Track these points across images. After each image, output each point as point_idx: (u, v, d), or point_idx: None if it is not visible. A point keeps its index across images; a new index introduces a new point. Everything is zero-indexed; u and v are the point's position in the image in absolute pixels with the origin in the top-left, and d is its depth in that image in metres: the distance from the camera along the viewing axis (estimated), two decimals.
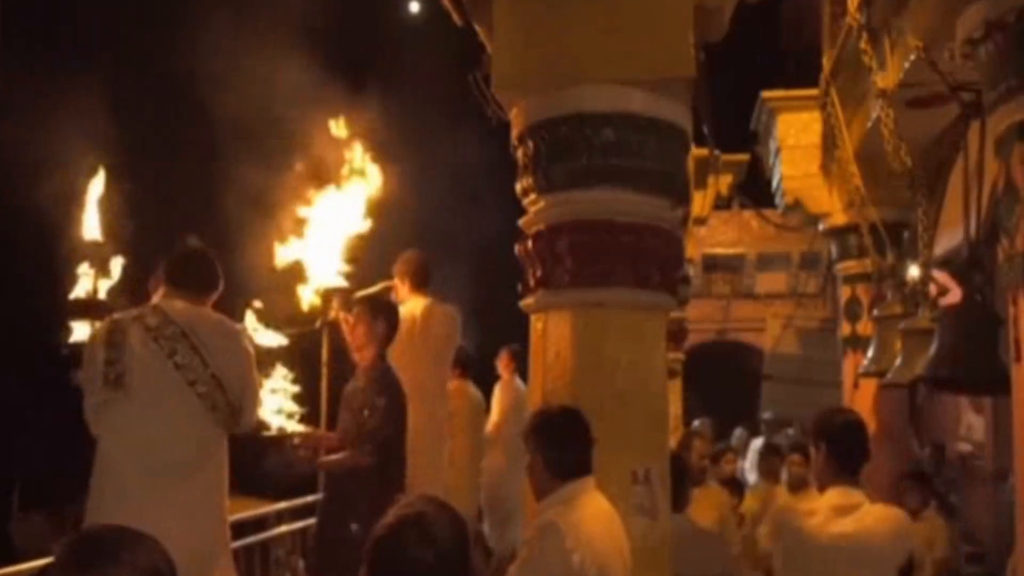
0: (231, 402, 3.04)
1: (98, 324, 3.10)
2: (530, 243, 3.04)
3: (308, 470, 3.95)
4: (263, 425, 3.69)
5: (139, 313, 3.08)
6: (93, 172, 3.66)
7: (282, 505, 5.62)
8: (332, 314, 4.36)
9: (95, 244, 3.69)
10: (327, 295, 4.38)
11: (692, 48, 2.93)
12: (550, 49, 2.97)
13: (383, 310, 4.24)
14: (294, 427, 3.94)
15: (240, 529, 5.02)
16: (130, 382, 2.93)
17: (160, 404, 2.97)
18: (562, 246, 2.94)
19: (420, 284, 4.93)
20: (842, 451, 3.03)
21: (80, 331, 3.35)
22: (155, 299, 3.19)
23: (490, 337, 7.37)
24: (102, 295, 3.57)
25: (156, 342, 2.98)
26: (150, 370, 2.96)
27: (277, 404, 3.91)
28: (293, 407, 3.98)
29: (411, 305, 4.84)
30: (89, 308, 3.45)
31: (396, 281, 4.95)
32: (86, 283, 3.58)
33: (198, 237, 3.41)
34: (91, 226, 3.71)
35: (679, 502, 4.28)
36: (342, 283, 4.44)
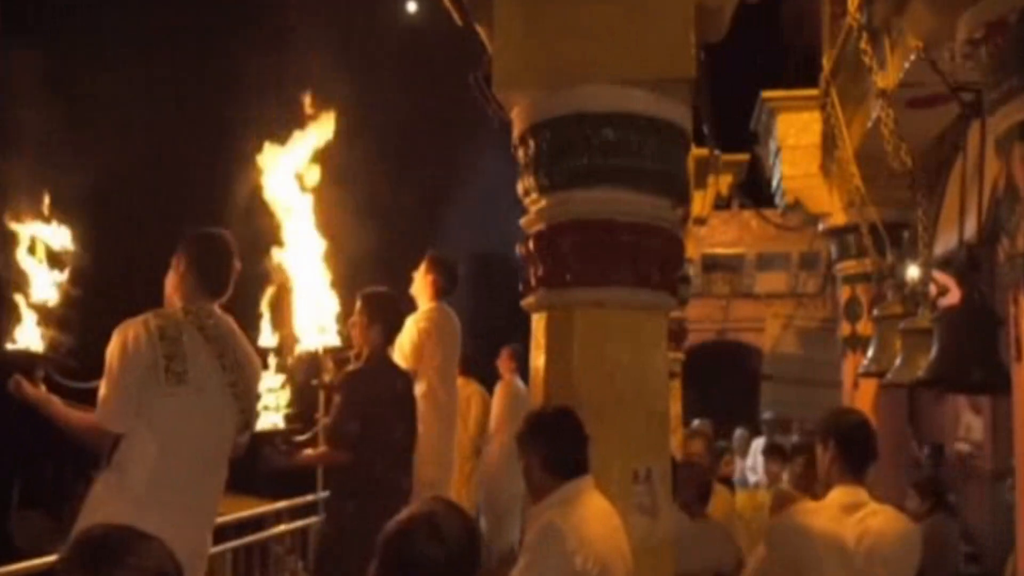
0: (253, 407, 3.16)
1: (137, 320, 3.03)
2: (531, 242, 3.04)
3: (284, 466, 3.87)
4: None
5: (187, 310, 3.09)
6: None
7: (281, 504, 5.62)
8: (327, 377, 4.20)
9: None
10: (311, 358, 4.14)
11: (693, 48, 2.93)
12: (551, 49, 2.98)
13: (382, 313, 4.18)
14: (279, 424, 3.83)
15: (240, 529, 5.03)
16: (193, 378, 2.96)
17: (213, 403, 3.03)
18: (563, 245, 2.94)
19: (447, 290, 4.94)
20: (850, 451, 3.04)
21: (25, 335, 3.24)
22: (182, 299, 3.14)
23: (492, 337, 7.39)
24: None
25: (207, 342, 3.03)
26: (206, 368, 3.01)
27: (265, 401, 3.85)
28: (281, 404, 3.87)
29: (430, 307, 4.86)
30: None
31: (423, 277, 4.95)
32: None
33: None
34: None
35: (698, 509, 4.32)
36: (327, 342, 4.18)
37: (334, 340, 4.17)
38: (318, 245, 4.10)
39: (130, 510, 2.71)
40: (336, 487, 4.07)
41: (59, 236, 3.35)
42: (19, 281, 3.25)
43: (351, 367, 4.14)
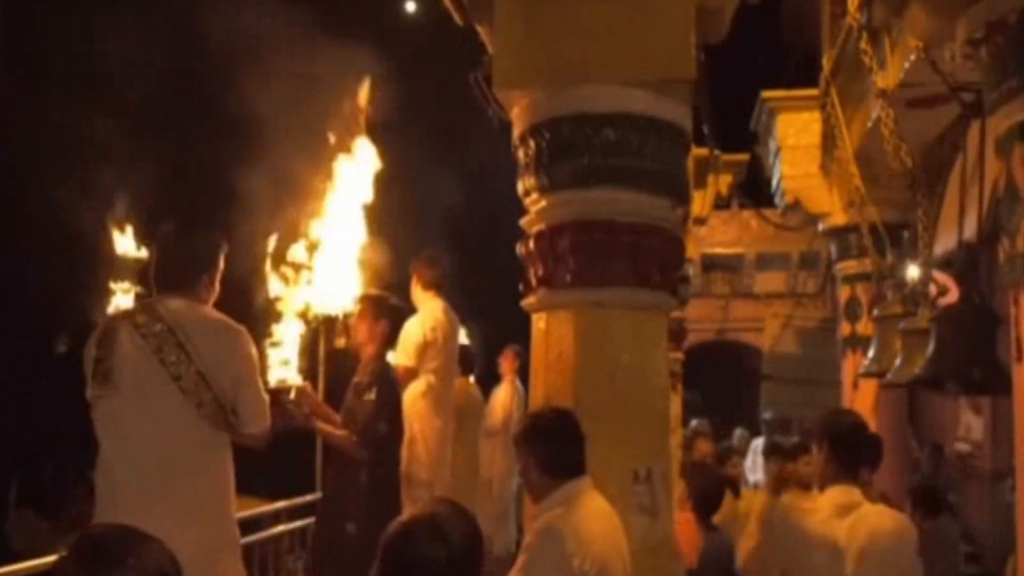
0: (219, 399, 2.98)
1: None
2: (531, 242, 3.04)
3: (302, 426, 3.87)
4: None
5: (129, 311, 3.09)
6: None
7: (280, 504, 5.61)
8: (340, 341, 4.28)
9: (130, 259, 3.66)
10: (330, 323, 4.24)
11: (693, 49, 2.93)
12: (551, 49, 2.97)
13: (387, 311, 4.22)
14: (294, 379, 3.84)
15: (238, 528, 5.02)
16: (118, 379, 2.92)
17: (145, 400, 2.94)
18: (563, 246, 2.94)
19: (436, 287, 4.95)
20: (845, 451, 3.05)
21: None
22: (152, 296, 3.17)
23: (493, 336, 7.38)
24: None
25: (144, 339, 2.96)
26: (136, 367, 2.94)
27: (280, 356, 3.85)
28: (294, 358, 3.88)
29: (433, 307, 4.87)
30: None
31: (414, 280, 4.99)
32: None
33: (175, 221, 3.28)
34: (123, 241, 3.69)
35: (710, 514, 4.34)
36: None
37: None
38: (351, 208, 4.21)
39: (109, 513, 2.72)
40: (348, 486, 4.03)
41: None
42: None
43: (379, 364, 4.14)
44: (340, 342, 4.29)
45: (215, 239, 3.22)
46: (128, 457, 2.91)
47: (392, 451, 4.05)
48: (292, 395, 3.78)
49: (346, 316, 4.24)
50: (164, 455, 2.93)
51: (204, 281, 3.14)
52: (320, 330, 4.32)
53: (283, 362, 3.80)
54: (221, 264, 3.20)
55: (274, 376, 3.78)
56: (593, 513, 2.61)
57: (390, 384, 4.09)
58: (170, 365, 2.94)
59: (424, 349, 4.75)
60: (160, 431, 2.94)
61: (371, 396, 3.99)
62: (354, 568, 3.76)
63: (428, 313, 4.87)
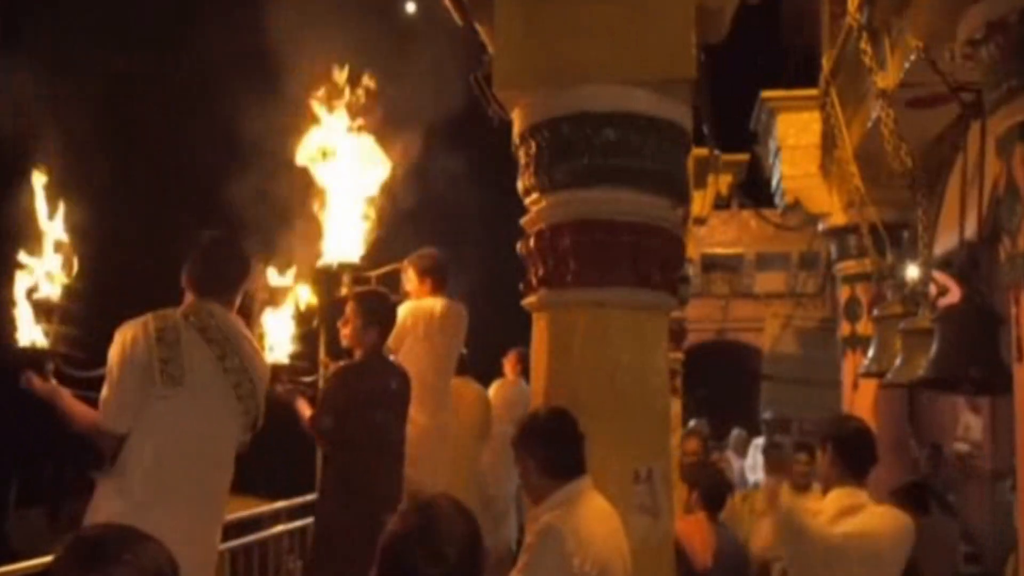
0: (260, 406, 3.15)
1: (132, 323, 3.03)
2: (532, 242, 3.04)
3: (290, 402, 3.96)
4: None
5: (186, 312, 3.09)
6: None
7: (280, 504, 5.61)
8: (344, 291, 4.31)
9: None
10: (335, 273, 4.30)
11: (694, 49, 2.93)
12: (552, 49, 2.97)
13: (375, 313, 4.08)
14: (283, 359, 3.97)
15: (238, 528, 5.01)
16: (190, 381, 2.96)
17: (209, 402, 3.03)
18: (563, 245, 2.94)
19: (438, 285, 4.89)
20: (850, 454, 3.06)
21: (30, 333, 3.21)
22: (190, 300, 3.17)
23: (495, 336, 7.36)
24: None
25: (208, 344, 3.03)
26: (205, 370, 3.01)
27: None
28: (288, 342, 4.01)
29: (429, 302, 4.79)
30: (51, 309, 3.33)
31: (410, 276, 4.91)
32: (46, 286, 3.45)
33: (215, 230, 3.33)
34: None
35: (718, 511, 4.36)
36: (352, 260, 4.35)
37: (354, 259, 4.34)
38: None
39: (130, 512, 2.71)
40: (323, 486, 4.04)
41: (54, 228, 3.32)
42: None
43: (343, 362, 4.12)
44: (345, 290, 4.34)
45: (249, 252, 3.35)
46: (186, 457, 2.96)
47: (348, 447, 3.89)
48: (283, 377, 3.91)
49: (341, 266, 4.28)
50: (218, 457, 3.07)
51: (240, 291, 3.24)
52: (319, 328, 4.31)
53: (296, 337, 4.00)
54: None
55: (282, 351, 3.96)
56: (594, 513, 2.61)
57: (345, 381, 3.96)
58: (231, 372, 3.05)
59: (402, 335, 4.62)
60: (219, 434, 3.07)
61: (331, 370, 4.06)
62: (322, 563, 3.82)
63: (421, 304, 4.78)
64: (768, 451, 6.68)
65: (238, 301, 3.26)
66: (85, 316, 3.33)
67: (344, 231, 4.34)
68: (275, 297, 4.07)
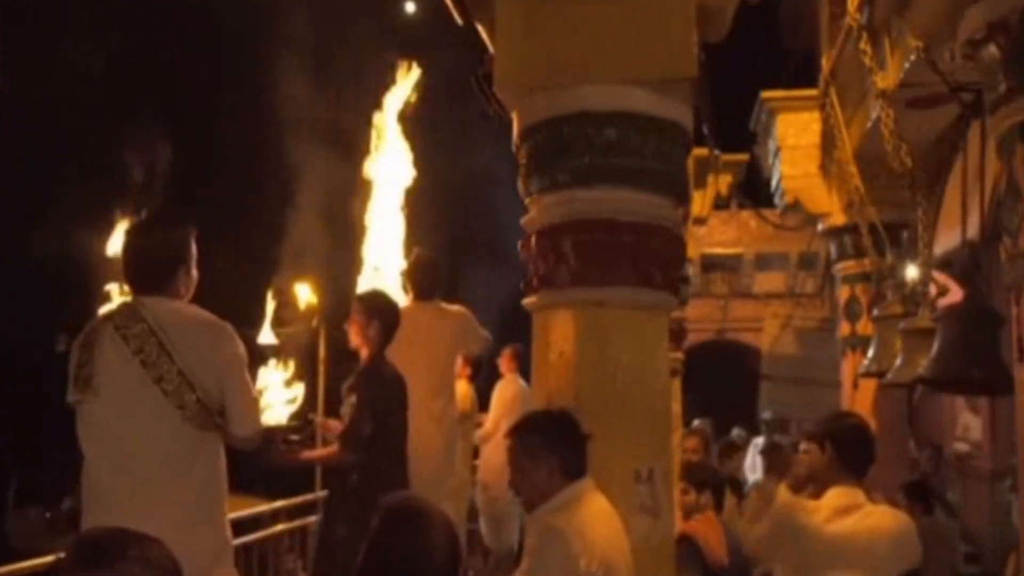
0: (202, 400, 2.88)
1: None
2: (532, 242, 3.04)
3: (281, 465, 3.86)
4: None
5: (110, 313, 3.00)
6: None
7: (279, 504, 5.61)
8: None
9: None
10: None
11: (694, 48, 2.93)
12: (552, 48, 2.97)
13: (379, 312, 4.13)
14: (281, 421, 3.76)
15: (238, 528, 5.01)
16: (98, 383, 2.85)
17: (126, 403, 2.87)
18: (564, 245, 2.94)
19: (428, 290, 4.88)
20: (848, 452, 3.06)
21: None
22: (124, 299, 3.11)
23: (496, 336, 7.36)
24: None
25: (124, 341, 2.87)
26: (117, 370, 2.86)
27: (287, 394, 3.79)
28: (284, 402, 3.82)
29: (416, 308, 4.80)
30: None
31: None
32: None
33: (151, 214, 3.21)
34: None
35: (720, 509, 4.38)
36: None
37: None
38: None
39: (99, 519, 2.68)
40: (339, 487, 4.03)
41: None
42: None
43: (360, 368, 4.12)
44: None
45: (182, 229, 3.09)
46: (112, 462, 2.85)
47: (384, 451, 3.94)
48: (277, 439, 3.70)
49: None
50: (147, 459, 2.85)
51: (180, 275, 3.02)
52: (320, 331, 4.31)
53: (290, 400, 3.74)
54: (194, 252, 3.08)
55: (276, 414, 3.71)
56: (596, 514, 2.61)
57: (374, 384, 3.99)
58: (151, 366, 2.84)
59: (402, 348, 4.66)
60: (142, 435, 2.86)
61: (352, 399, 3.97)
62: (347, 570, 3.77)
63: (409, 314, 4.77)
64: (767, 451, 6.68)
65: (191, 285, 3.05)
66: None
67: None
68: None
